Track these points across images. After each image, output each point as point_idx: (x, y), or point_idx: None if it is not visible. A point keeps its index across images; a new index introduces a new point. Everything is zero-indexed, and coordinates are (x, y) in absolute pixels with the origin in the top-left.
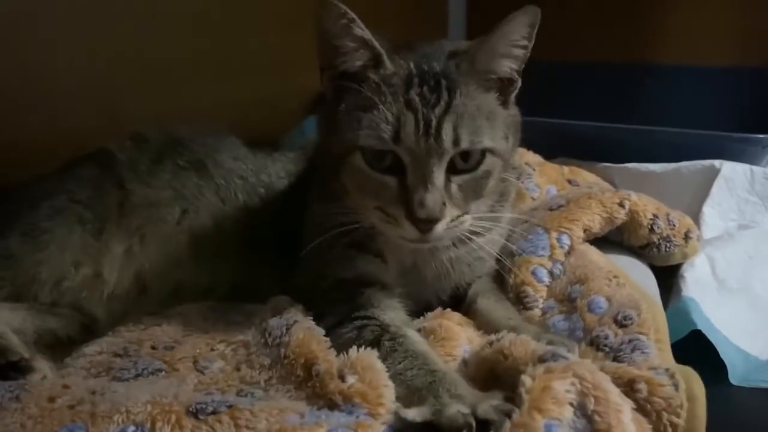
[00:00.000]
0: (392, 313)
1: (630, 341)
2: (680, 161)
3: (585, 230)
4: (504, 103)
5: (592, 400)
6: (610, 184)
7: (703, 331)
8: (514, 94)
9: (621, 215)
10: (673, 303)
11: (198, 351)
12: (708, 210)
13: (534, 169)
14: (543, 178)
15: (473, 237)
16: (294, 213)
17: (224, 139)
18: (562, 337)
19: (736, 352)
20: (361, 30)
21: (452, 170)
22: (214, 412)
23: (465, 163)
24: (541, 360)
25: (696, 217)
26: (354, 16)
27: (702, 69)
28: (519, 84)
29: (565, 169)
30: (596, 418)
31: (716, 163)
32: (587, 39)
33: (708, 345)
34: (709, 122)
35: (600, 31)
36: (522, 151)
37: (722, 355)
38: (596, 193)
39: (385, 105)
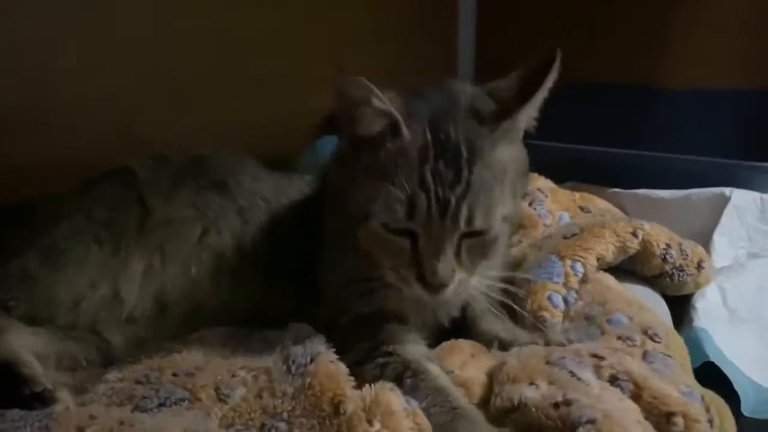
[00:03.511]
0: (412, 347)
1: (663, 357)
2: (690, 188)
3: (598, 259)
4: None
5: None
6: (620, 209)
7: (716, 363)
8: None
9: (634, 245)
10: (685, 333)
11: (219, 378)
12: (718, 238)
13: (546, 196)
14: (555, 204)
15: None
16: (310, 236)
17: (243, 160)
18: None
19: (748, 384)
20: (381, 101)
21: (463, 234)
22: None
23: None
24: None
25: (706, 244)
26: (373, 87)
27: (711, 92)
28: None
29: (577, 195)
30: None
31: (726, 190)
32: (595, 61)
33: (718, 376)
34: (717, 146)
35: (607, 53)
36: (533, 176)
37: (735, 386)
38: (610, 222)
39: (399, 179)
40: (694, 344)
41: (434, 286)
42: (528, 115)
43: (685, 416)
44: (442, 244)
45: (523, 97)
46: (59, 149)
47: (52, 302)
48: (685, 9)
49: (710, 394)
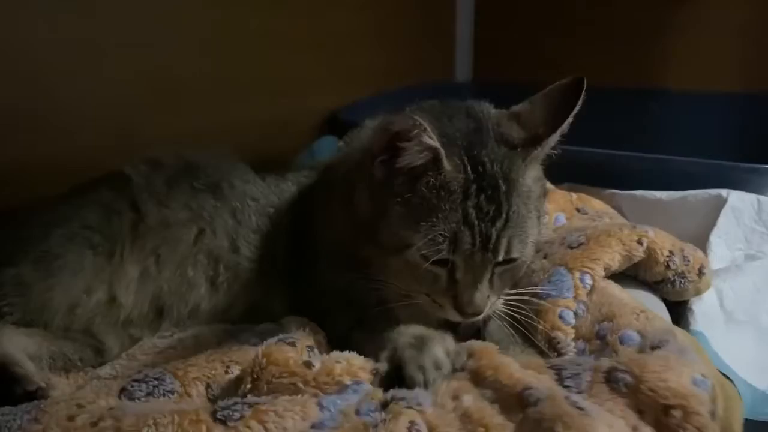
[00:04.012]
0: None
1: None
2: (687, 189)
3: (605, 268)
4: None
5: None
6: (617, 211)
7: (714, 365)
8: None
9: (639, 253)
10: None
11: (213, 372)
12: (715, 239)
13: None
14: (552, 205)
15: None
16: (305, 234)
17: (234, 164)
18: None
19: (744, 386)
20: (430, 138)
21: (497, 262)
22: (241, 417)
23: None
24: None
25: (703, 246)
26: (425, 124)
27: (709, 94)
28: None
29: (574, 196)
30: None
31: (723, 192)
32: (592, 64)
33: None
34: (715, 148)
35: (605, 55)
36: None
37: (737, 387)
38: (615, 231)
39: (443, 214)
40: None
41: (469, 313)
42: (554, 140)
43: (683, 408)
44: (481, 275)
45: (553, 123)
46: (58, 150)
47: (46, 308)
48: (685, 10)
49: (725, 385)
